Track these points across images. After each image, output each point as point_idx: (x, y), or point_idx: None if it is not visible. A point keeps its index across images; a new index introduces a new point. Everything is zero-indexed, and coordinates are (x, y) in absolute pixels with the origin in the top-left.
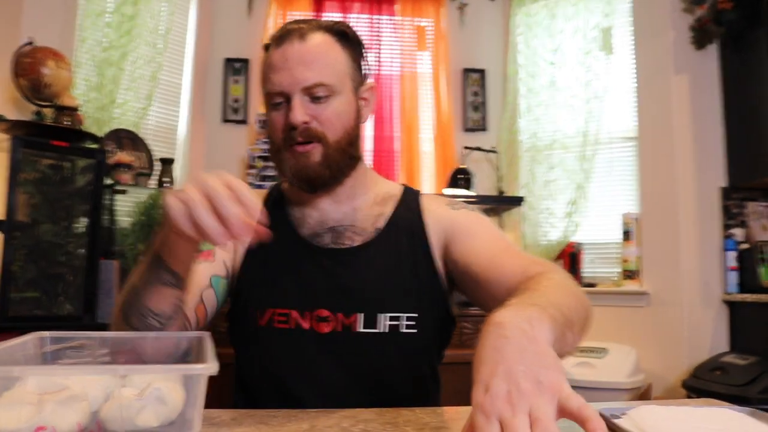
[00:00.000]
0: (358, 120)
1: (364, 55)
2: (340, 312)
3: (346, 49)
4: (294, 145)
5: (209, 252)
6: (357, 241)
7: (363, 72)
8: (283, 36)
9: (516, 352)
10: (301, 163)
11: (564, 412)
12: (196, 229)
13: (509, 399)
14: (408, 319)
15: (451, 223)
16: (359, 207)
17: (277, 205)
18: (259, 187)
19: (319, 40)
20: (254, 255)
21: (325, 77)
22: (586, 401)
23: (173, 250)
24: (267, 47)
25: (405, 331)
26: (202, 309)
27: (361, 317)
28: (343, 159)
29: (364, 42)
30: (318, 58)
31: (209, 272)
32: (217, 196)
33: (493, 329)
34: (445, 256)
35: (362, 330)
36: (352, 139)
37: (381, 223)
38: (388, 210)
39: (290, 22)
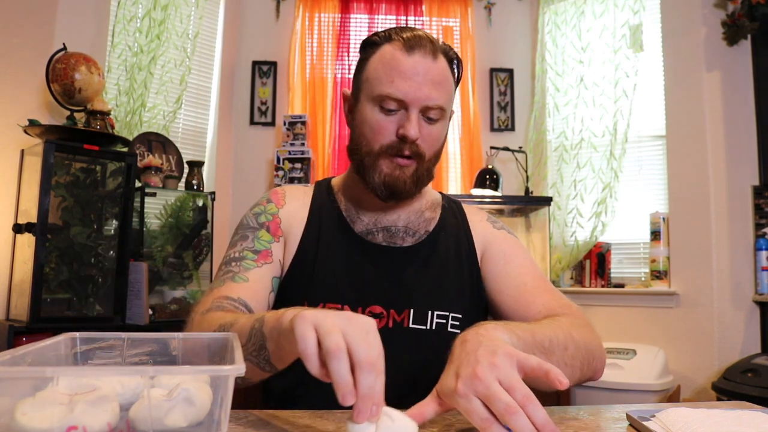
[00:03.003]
0: (444, 143)
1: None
2: (392, 308)
3: (453, 77)
4: (397, 156)
5: (267, 252)
6: (408, 241)
7: None
8: (414, 44)
9: (473, 345)
10: (396, 174)
11: (526, 371)
12: (323, 373)
13: (476, 375)
14: (453, 319)
15: (491, 241)
16: (413, 211)
17: (328, 200)
18: None
19: (444, 64)
20: (307, 248)
21: (444, 102)
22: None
23: (283, 357)
24: (374, 42)
25: (450, 330)
26: None
27: (411, 313)
28: (428, 178)
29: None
30: (444, 82)
31: (270, 274)
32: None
33: (457, 340)
34: (480, 269)
35: (411, 326)
36: (438, 160)
37: (431, 227)
38: (438, 215)
39: (413, 29)
